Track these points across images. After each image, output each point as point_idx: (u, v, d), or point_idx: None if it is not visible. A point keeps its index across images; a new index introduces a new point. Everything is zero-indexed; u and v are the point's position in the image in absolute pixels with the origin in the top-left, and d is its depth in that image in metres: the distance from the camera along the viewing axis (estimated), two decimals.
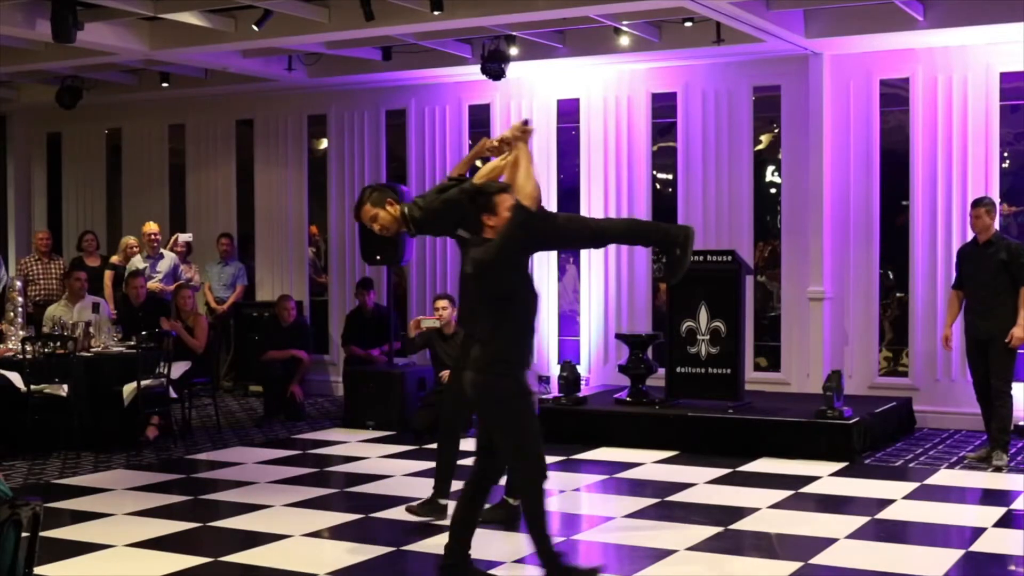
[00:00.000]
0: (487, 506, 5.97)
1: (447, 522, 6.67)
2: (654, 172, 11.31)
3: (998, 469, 8.07)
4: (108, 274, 11.80)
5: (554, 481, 7.97)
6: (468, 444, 6.84)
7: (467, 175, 6.57)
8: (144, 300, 10.51)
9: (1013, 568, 5.87)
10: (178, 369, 9.63)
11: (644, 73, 11.16)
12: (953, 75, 9.97)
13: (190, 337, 10.03)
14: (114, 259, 12.42)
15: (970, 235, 8.77)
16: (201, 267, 12.89)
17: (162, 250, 11.81)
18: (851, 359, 10.34)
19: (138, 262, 11.68)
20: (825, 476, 8.05)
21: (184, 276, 11.86)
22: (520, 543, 6.39)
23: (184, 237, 12.31)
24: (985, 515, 6.96)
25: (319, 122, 12.91)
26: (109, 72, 12.49)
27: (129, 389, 9.12)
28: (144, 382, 9.12)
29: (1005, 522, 6.73)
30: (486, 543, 6.37)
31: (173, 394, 9.48)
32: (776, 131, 10.86)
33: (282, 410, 10.99)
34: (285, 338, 11.36)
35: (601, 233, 6.31)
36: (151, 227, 11.83)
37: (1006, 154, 10.07)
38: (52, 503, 7.23)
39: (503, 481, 6.08)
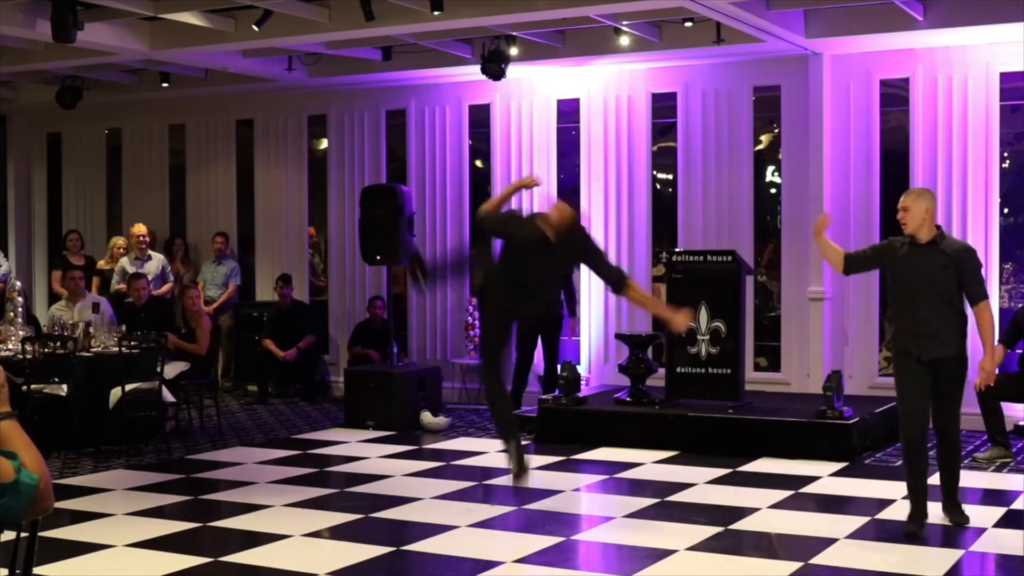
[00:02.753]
0: None
1: (454, 522, 6.68)
2: (654, 172, 11.31)
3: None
4: (95, 280, 11.90)
5: (554, 481, 7.97)
6: None
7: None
8: (146, 302, 10.52)
9: None
10: (174, 369, 9.61)
11: (644, 73, 11.16)
12: (953, 75, 9.97)
13: (190, 344, 10.02)
14: (101, 263, 12.47)
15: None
16: (199, 267, 12.94)
17: (150, 252, 11.83)
18: (851, 359, 10.34)
19: (126, 264, 11.72)
20: (825, 476, 8.05)
21: (171, 277, 11.93)
22: (521, 543, 6.39)
23: None
24: (985, 515, 6.95)
25: (319, 122, 12.91)
26: (109, 72, 12.49)
27: (115, 394, 9.06)
28: (136, 385, 9.08)
29: (1005, 522, 6.73)
30: (487, 543, 6.37)
31: (170, 397, 9.45)
32: (776, 131, 10.86)
33: (312, 394, 12.11)
34: (287, 321, 11.95)
35: None
36: (140, 229, 11.91)
37: (1006, 154, 10.07)
38: None
39: None
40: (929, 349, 6.24)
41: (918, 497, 6.40)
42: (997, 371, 8.57)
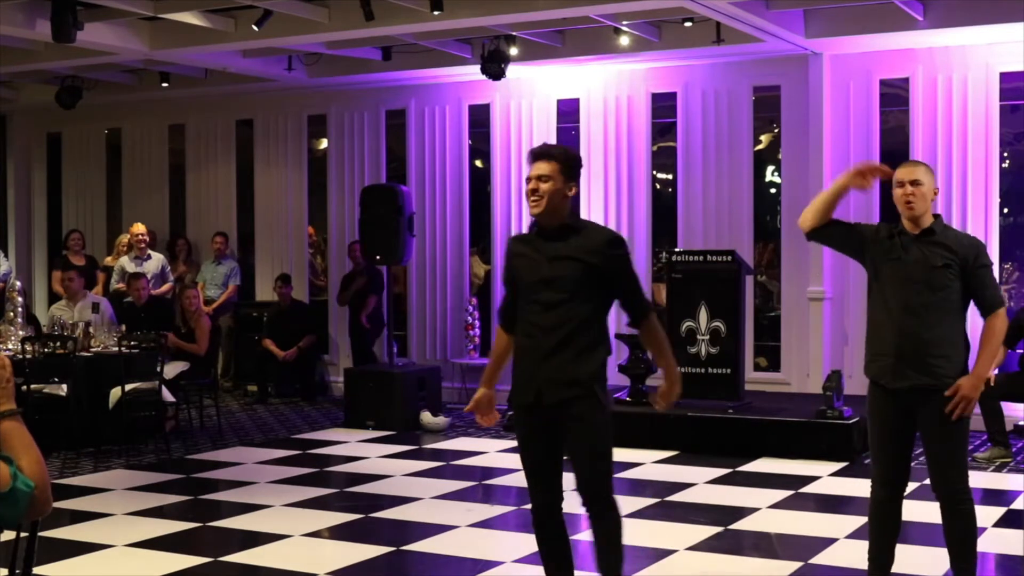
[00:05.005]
0: None
1: (454, 522, 6.68)
2: (654, 172, 11.31)
3: None
4: (101, 277, 11.93)
5: None
6: None
7: None
8: (145, 301, 10.52)
9: None
10: (174, 369, 9.61)
11: (644, 73, 11.17)
12: (953, 75, 9.97)
13: (189, 344, 10.02)
14: (108, 260, 12.49)
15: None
16: (199, 267, 12.95)
17: (149, 251, 11.85)
18: (851, 359, 10.32)
19: (126, 263, 11.73)
20: (825, 476, 8.05)
21: (170, 277, 11.96)
22: (521, 543, 6.38)
23: None
24: (985, 515, 6.93)
25: (319, 122, 12.92)
26: (109, 72, 12.49)
27: (115, 394, 9.05)
28: (136, 385, 9.08)
29: (1005, 522, 6.73)
30: (487, 543, 6.37)
31: (170, 397, 9.44)
32: (776, 131, 10.86)
33: (311, 394, 12.11)
34: (287, 321, 11.98)
35: None
36: (139, 228, 11.91)
37: (1006, 154, 10.07)
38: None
39: None
40: (907, 374, 4.65)
41: (875, 570, 5.05)
42: (996, 371, 8.62)
